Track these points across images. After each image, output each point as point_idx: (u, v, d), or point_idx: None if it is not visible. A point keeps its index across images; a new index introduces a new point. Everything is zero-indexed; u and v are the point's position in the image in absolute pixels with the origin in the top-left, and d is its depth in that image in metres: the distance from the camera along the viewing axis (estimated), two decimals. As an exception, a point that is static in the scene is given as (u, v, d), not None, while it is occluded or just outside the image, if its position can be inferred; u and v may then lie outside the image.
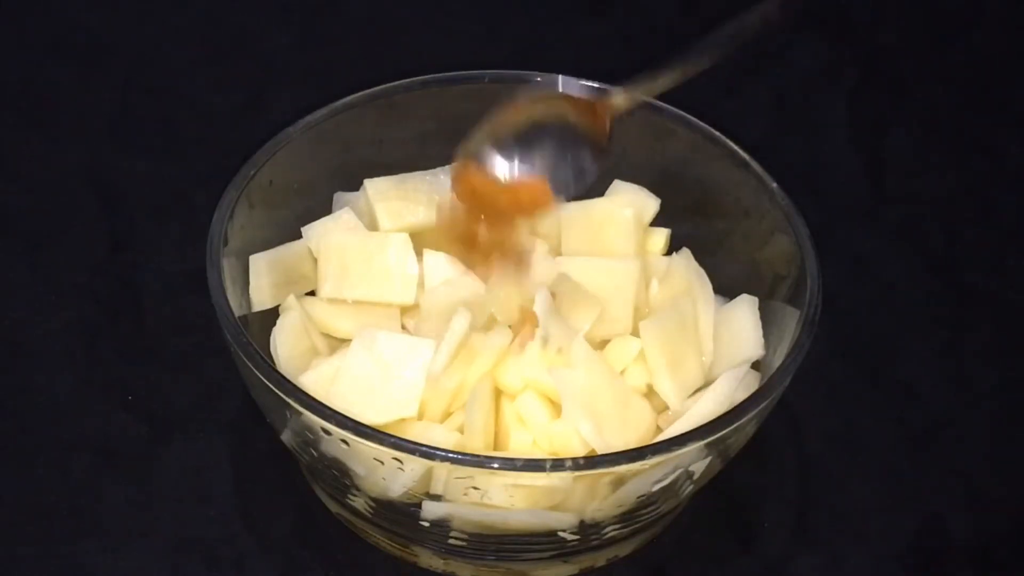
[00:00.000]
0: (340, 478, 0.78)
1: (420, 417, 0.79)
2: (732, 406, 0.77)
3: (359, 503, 0.80)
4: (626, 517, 0.78)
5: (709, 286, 0.87)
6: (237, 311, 0.80)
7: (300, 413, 0.74)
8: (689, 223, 0.90)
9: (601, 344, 0.84)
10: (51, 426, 0.88)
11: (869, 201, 1.07)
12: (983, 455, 0.91)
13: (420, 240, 0.88)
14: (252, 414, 0.83)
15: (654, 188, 0.90)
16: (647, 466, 0.74)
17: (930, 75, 1.17)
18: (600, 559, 0.83)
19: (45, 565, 0.82)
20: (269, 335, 0.83)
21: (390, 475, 0.75)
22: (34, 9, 1.14)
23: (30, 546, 0.82)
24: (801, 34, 1.19)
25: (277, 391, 0.75)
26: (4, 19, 1.14)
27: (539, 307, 0.81)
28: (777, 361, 0.80)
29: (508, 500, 0.75)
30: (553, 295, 0.85)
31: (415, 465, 0.74)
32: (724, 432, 0.75)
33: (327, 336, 0.84)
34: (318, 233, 0.87)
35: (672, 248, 0.90)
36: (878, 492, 0.88)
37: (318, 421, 0.74)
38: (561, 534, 0.78)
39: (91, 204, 1.01)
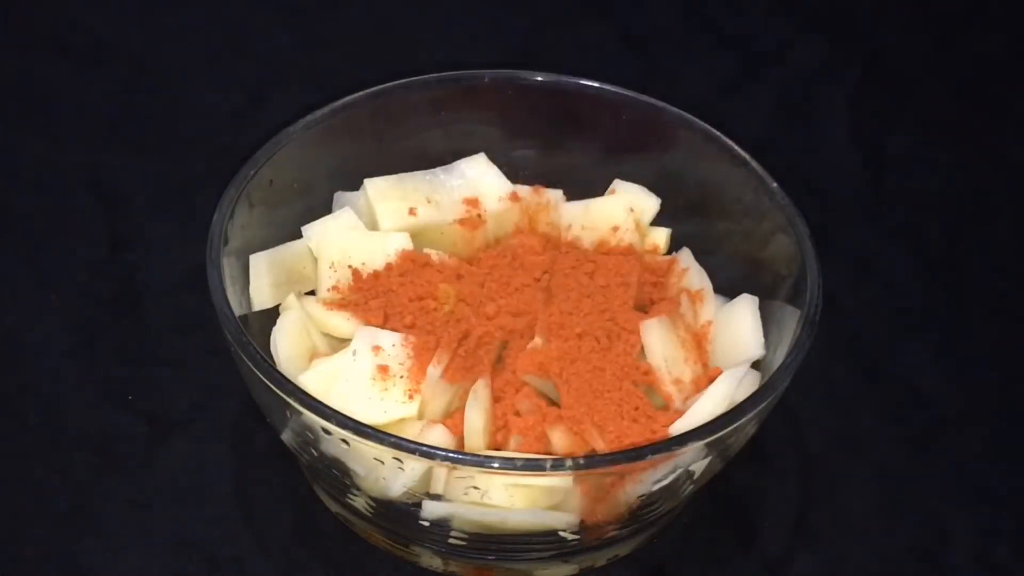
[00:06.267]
0: (340, 478, 0.78)
1: (420, 417, 0.79)
2: (732, 406, 0.77)
3: (359, 503, 0.80)
4: (626, 517, 0.78)
5: (709, 286, 0.87)
6: (237, 311, 0.80)
7: (300, 413, 0.74)
8: (689, 223, 0.91)
9: (602, 343, 0.84)
10: (51, 426, 0.88)
11: (869, 201, 1.07)
12: (983, 455, 0.91)
13: (420, 240, 0.88)
14: (252, 414, 0.83)
15: (654, 188, 0.91)
16: (647, 466, 0.74)
17: (930, 75, 1.17)
18: (600, 559, 0.83)
19: (45, 565, 0.82)
20: (269, 335, 0.83)
21: (390, 475, 0.75)
22: (34, 9, 1.14)
23: (30, 546, 0.82)
24: (801, 34, 1.19)
25: (277, 391, 0.75)
26: (4, 19, 1.14)
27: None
28: (777, 361, 0.80)
29: (508, 500, 0.75)
30: (553, 294, 0.85)
31: (415, 465, 0.74)
32: (724, 432, 0.75)
33: (327, 336, 0.84)
34: (318, 233, 0.87)
35: (672, 248, 0.91)
36: (878, 492, 0.88)
37: (318, 421, 0.74)
38: (561, 534, 0.78)
39: (91, 204, 1.01)
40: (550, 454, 0.78)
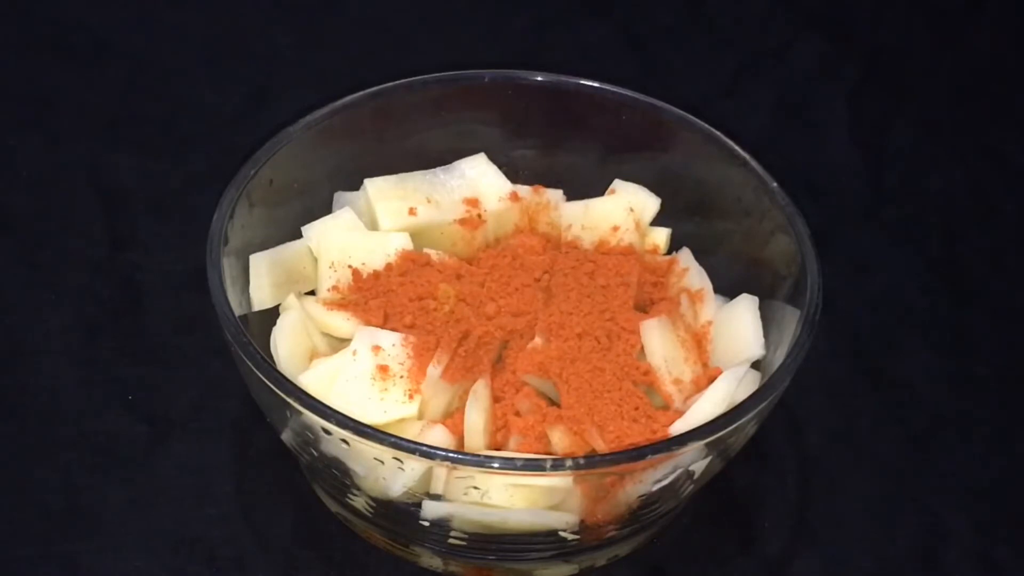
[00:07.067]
0: (340, 478, 0.78)
1: (420, 417, 0.79)
2: (732, 406, 0.77)
3: (359, 503, 0.80)
4: (626, 517, 0.78)
5: (709, 286, 0.87)
6: (237, 311, 0.80)
7: (300, 413, 0.74)
8: (689, 223, 0.91)
9: (602, 343, 0.84)
10: (51, 426, 0.88)
11: (869, 201, 1.07)
12: (983, 455, 0.91)
13: (420, 239, 0.88)
14: (252, 414, 0.83)
15: (654, 188, 0.90)
16: (647, 466, 0.74)
17: (930, 75, 1.17)
18: (600, 559, 0.83)
19: (45, 565, 0.82)
20: (269, 335, 0.83)
21: (390, 475, 0.75)
22: (34, 9, 1.14)
23: (30, 546, 0.82)
24: (801, 34, 1.19)
25: (277, 391, 0.75)
26: (4, 19, 1.14)
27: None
28: (777, 361, 0.80)
29: (508, 500, 0.75)
30: (553, 294, 0.85)
31: (415, 465, 0.74)
32: (724, 432, 0.75)
33: (327, 336, 0.85)
34: (318, 232, 0.87)
35: (672, 248, 0.91)
36: (878, 492, 0.88)
37: (318, 421, 0.74)
38: (561, 534, 0.78)
39: (91, 204, 1.01)
40: (550, 454, 0.78)
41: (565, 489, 0.75)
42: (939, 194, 1.07)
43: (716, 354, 0.85)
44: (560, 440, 0.78)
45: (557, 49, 1.16)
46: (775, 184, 0.86)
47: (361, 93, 0.90)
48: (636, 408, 0.80)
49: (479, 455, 0.76)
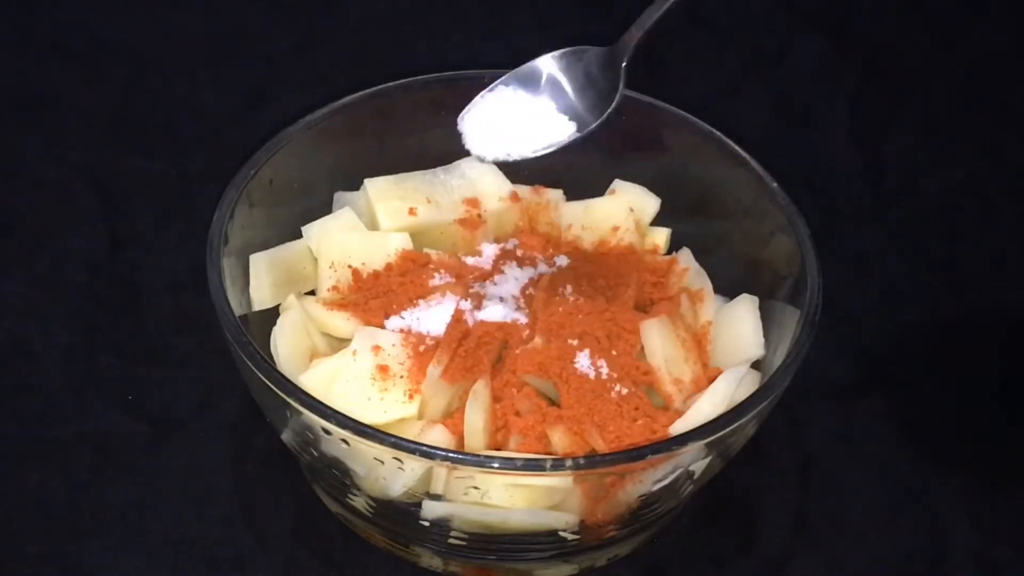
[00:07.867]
0: (340, 478, 0.78)
1: (420, 417, 0.79)
2: (732, 406, 0.77)
3: (359, 503, 0.80)
4: (626, 517, 0.78)
5: (709, 286, 0.87)
6: (237, 311, 0.80)
7: (300, 413, 0.74)
8: (689, 223, 0.91)
9: (602, 343, 0.84)
10: (51, 426, 0.88)
11: (869, 201, 1.07)
12: (983, 455, 0.90)
13: (420, 239, 0.88)
14: (252, 414, 0.83)
15: (654, 188, 0.91)
16: (647, 466, 0.74)
17: (930, 75, 1.17)
18: (600, 559, 0.83)
19: (45, 565, 0.82)
20: (269, 335, 0.83)
21: (390, 475, 0.75)
22: (34, 9, 1.14)
23: (30, 545, 0.82)
24: (801, 34, 1.19)
25: (277, 391, 0.75)
26: (4, 19, 1.14)
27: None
28: (777, 361, 0.80)
29: (508, 500, 0.75)
30: (554, 294, 0.85)
31: (415, 465, 0.74)
32: (724, 432, 0.75)
33: (327, 336, 0.85)
34: (318, 233, 0.87)
35: (672, 248, 0.91)
36: (878, 492, 0.88)
37: (318, 421, 0.74)
38: (561, 533, 0.78)
39: (91, 204, 1.01)
40: (550, 454, 0.78)
41: (565, 489, 0.75)
42: (939, 194, 1.07)
43: (716, 354, 0.85)
44: (560, 440, 0.78)
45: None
46: (775, 184, 0.86)
47: (361, 93, 0.90)
48: (636, 408, 0.80)
49: (479, 455, 0.76)
